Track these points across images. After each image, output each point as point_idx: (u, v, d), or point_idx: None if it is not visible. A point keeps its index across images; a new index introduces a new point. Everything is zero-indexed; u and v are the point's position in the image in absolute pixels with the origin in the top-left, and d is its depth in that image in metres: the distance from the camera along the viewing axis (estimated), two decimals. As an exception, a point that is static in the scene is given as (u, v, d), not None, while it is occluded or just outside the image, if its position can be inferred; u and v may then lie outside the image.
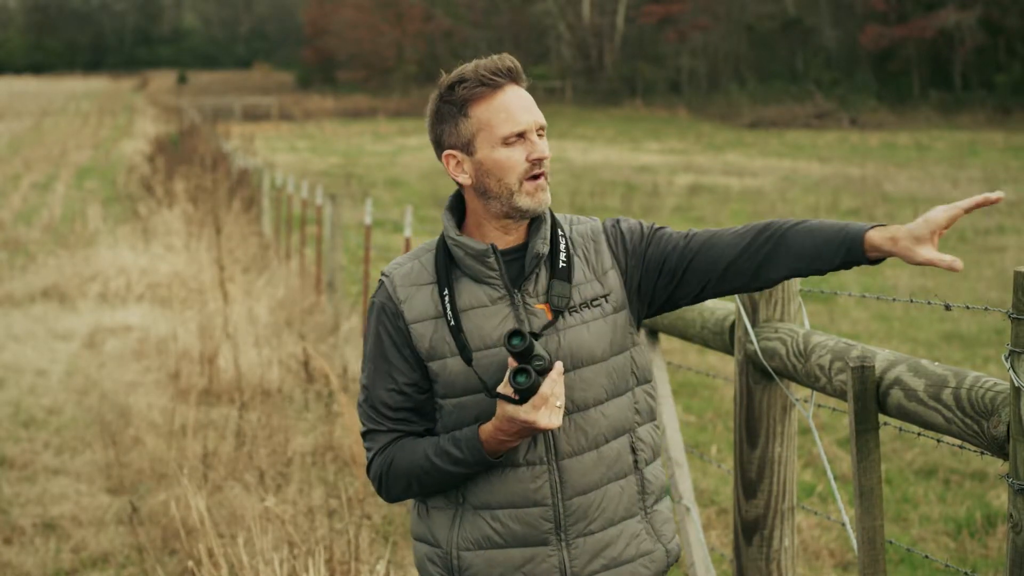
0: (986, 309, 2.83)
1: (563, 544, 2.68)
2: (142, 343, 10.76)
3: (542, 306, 2.68)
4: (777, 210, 22.48)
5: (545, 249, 2.69)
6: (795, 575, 3.69)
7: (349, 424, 7.13)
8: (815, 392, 3.35)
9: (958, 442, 2.81)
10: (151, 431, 7.59)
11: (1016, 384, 2.41)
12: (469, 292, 2.69)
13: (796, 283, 3.60)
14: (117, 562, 5.96)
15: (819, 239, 2.55)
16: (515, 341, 2.52)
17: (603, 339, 2.69)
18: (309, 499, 6.18)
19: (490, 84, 2.64)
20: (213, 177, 21.46)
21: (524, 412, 2.54)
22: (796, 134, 45.94)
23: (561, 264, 2.69)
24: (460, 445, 2.65)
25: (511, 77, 2.66)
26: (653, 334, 4.29)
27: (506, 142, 2.65)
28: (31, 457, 7.65)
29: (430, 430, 2.76)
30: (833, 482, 3.51)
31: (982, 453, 2.70)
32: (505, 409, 2.56)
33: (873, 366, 2.91)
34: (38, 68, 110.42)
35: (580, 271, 2.72)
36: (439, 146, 2.72)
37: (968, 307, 2.91)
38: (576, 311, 2.69)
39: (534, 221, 2.72)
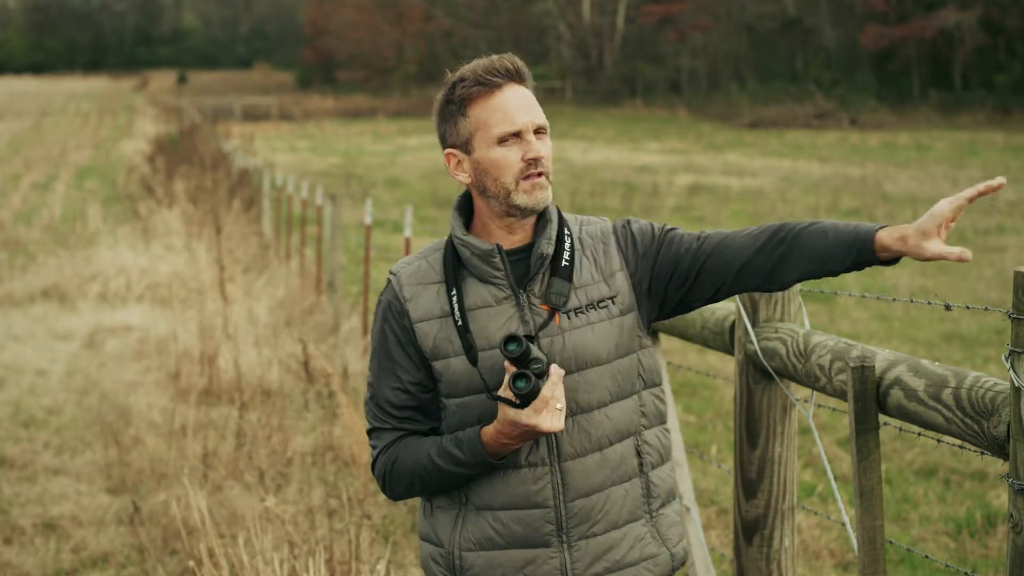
0: (986, 309, 2.83)
1: (565, 546, 2.67)
2: (142, 343, 10.76)
3: (547, 307, 2.68)
4: (777, 210, 22.48)
5: (550, 249, 2.68)
6: (795, 575, 3.69)
7: (349, 424, 7.13)
8: (815, 392, 3.35)
9: (958, 442, 2.81)
10: (151, 431, 7.59)
11: (1016, 384, 2.41)
12: (475, 292, 2.69)
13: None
14: (117, 562, 5.96)
15: (831, 241, 2.55)
16: (511, 347, 2.52)
17: (608, 341, 2.68)
18: (309, 499, 6.18)
19: (487, 84, 2.65)
20: (213, 177, 21.47)
21: (526, 416, 2.54)
22: (796, 134, 45.94)
23: (564, 263, 2.68)
24: (462, 446, 2.65)
25: (509, 77, 2.66)
26: (653, 334, 4.29)
27: (501, 142, 2.65)
28: (31, 457, 7.65)
29: (435, 429, 2.76)
30: (833, 482, 3.51)
31: (982, 453, 2.70)
32: (507, 413, 2.56)
33: (873, 366, 2.91)
34: (38, 68, 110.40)
35: (587, 272, 2.71)
36: (443, 144, 2.74)
37: (968, 307, 2.91)
38: (582, 312, 2.68)
39: (540, 221, 2.72)
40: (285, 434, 7.20)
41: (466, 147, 2.69)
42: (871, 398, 2.91)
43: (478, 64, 2.67)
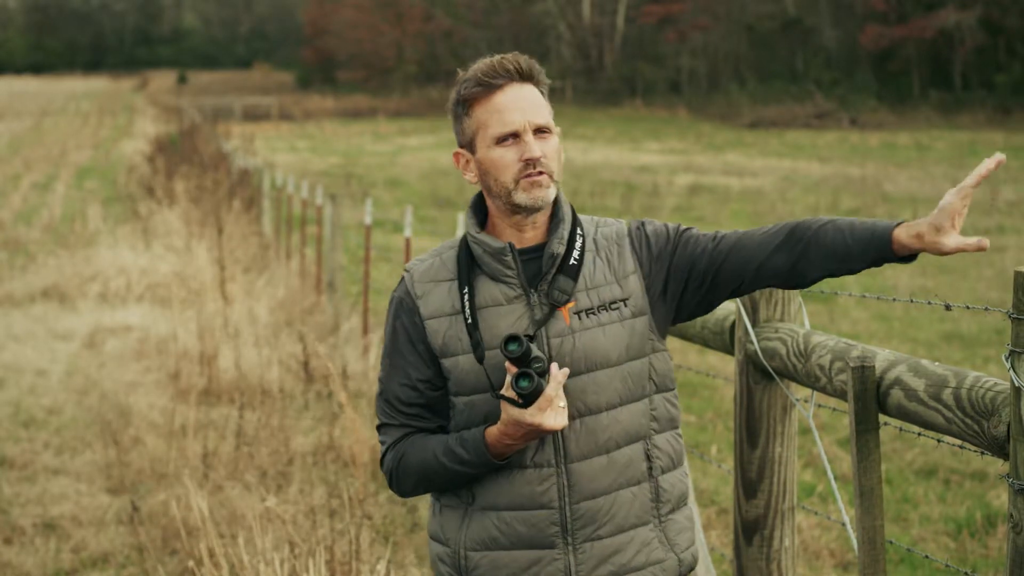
0: (986, 309, 2.83)
1: (570, 548, 2.66)
2: (142, 343, 10.76)
3: (562, 308, 2.67)
4: (777, 210, 22.48)
5: (561, 249, 2.68)
6: (795, 575, 3.69)
7: (349, 424, 7.13)
8: (815, 392, 3.35)
9: (958, 442, 2.81)
10: (151, 431, 7.59)
11: (1016, 384, 2.41)
12: (487, 290, 2.69)
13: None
14: (117, 562, 5.96)
15: (850, 239, 2.54)
16: (512, 347, 2.52)
17: (619, 343, 2.67)
18: (310, 499, 6.18)
19: (487, 85, 2.66)
20: (213, 177, 21.46)
21: (530, 415, 2.53)
22: (796, 134, 45.94)
23: (572, 261, 2.68)
24: (466, 446, 2.65)
25: (510, 77, 2.66)
26: (653, 334, 4.29)
27: (499, 142, 2.66)
28: (31, 457, 7.65)
29: (443, 427, 2.75)
30: (833, 482, 3.51)
31: (982, 453, 2.70)
32: (510, 413, 2.56)
33: (873, 366, 2.91)
34: (38, 68, 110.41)
35: (600, 273, 2.70)
36: (457, 143, 2.76)
37: (968, 307, 2.91)
38: (593, 313, 2.67)
39: (553, 221, 2.72)
40: (285, 434, 7.20)
41: (471, 147, 2.71)
42: (871, 398, 2.91)
43: (482, 64, 2.68)
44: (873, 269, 3.15)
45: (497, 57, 2.69)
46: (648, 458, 2.70)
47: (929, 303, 3.07)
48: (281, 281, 13.14)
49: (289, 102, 68.20)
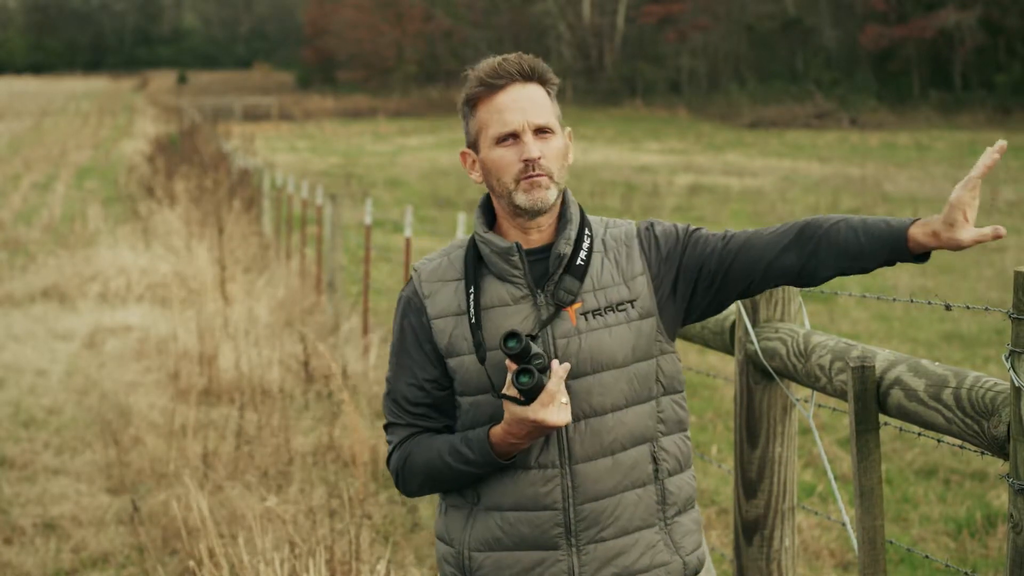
0: (986, 309, 2.83)
1: (573, 550, 2.65)
2: (142, 343, 10.76)
3: (565, 308, 2.66)
4: (777, 210, 22.48)
5: (568, 250, 2.67)
6: (795, 575, 3.69)
7: (349, 424, 7.13)
8: (815, 392, 3.35)
9: (958, 442, 2.81)
10: (151, 431, 7.59)
11: (1016, 384, 2.41)
12: (493, 290, 2.68)
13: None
14: (117, 562, 5.96)
15: (863, 237, 2.52)
16: (511, 343, 2.51)
17: (625, 344, 2.66)
18: (310, 499, 6.18)
19: (489, 85, 2.65)
20: (213, 177, 21.45)
21: (533, 412, 2.53)
22: (796, 134, 45.94)
23: (579, 262, 2.67)
24: (471, 445, 2.64)
25: (512, 78, 2.65)
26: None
27: (500, 142, 2.65)
28: (31, 457, 7.65)
29: (449, 427, 2.75)
30: (833, 482, 3.51)
31: (982, 453, 2.70)
32: (513, 411, 2.55)
33: (873, 366, 2.91)
34: (38, 68, 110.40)
35: (608, 274, 2.69)
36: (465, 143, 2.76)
37: (968, 307, 2.91)
38: (600, 314, 2.66)
39: (560, 221, 2.71)
40: (285, 434, 7.20)
41: (475, 147, 2.71)
42: (871, 398, 2.91)
43: (487, 64, 2.68)
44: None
45: (501, 57, 2.68)
46: (654, 460, 2.69)
47: (929, 303, 3.07)
48: (281, 281, 13.14)
49: (289, 102, 68.19)
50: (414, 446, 2.73)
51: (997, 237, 2.36)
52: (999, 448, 2.54)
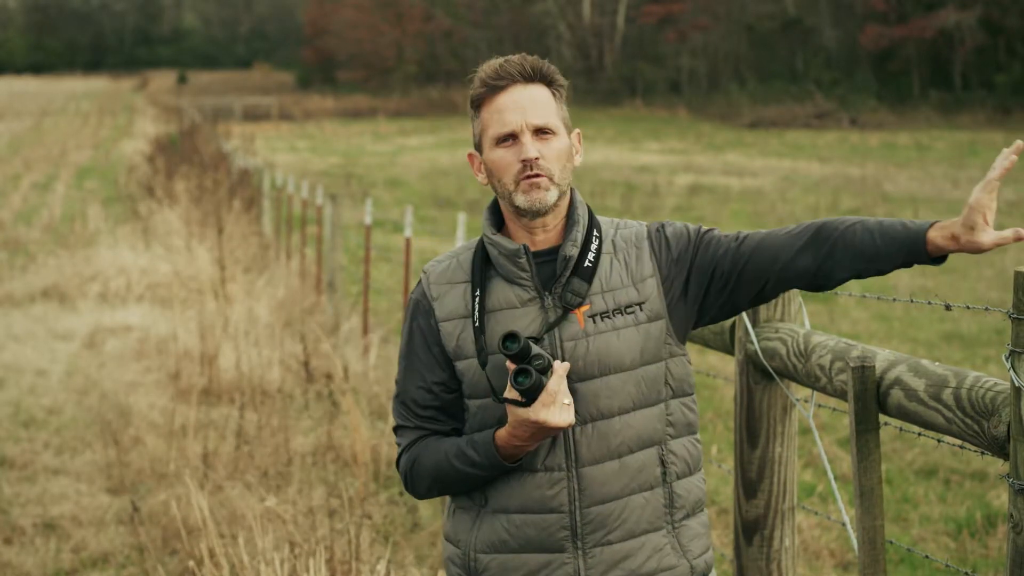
0: (986, 309, 2.82)
1: (580, 552, 2.64)
2: (142, 343, 10.76)
3: (573, 310, 2.65)
4: (777, 210, 22.48)
5: (575, 251, 2.65)
6: (795, 575, 3.69)
7: (350, 424, 7.13)
8: (815, 392, 3.35)
9: (958, 442, 2.81)
10: (151, 431, 7.59)
11: (1016, 384, 2.40)
12: (501, 292, 2.67)
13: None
14: (117, 562, 5.96)
15: (879, 239, 2.50)
16: (510, 344, 2.51)
17: (633, 347, 2.64)
18: (310, 499, 6.18)
19: (491, 86, 2.65)
20: (213, 177, 21.45)
21: (534, 412, 2.52)
22: (796, 134, 45.95)
23: (587, 263, 2.65)
24: (477, 448, 2.64)
25: (513, 79, 2.64)
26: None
27: (499, 143, 2.64)
28: (31, 457, 7.65)
29: (458, 430, 2.74)
30: (833, 482, 3.51)
31: (982, 453, 2.70)
32: (515, 413, 2.55)
33: (873, 366, 2.91)
34: (38, 68, 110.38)
35: (617, 276, 2.67)
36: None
37: (968, 307, 2.91)
38: (608, 317, 2.64)
39: (568, 222, 2.69)
40: (285, 434, 7.20)
41: (479, 148, 2.71)
42: (871, 398, 2.91)
43: (489, 65, 2.67)
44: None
45: (504, 58, 2.68)
46: (663, 463, 2.68)
47: (929, 303, 3.06)
48: (281, 281, 13.14)
49: (289, 102, 68.19)
50: (422, 449, 2.73)
51: (1019, 239, 2.34)
52: (999, 448, 2.53)
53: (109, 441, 7.53)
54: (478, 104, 2.68)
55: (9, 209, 23.17)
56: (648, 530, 2.66)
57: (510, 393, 2.55)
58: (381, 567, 4.75)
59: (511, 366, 2.54)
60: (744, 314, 3.58)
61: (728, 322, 3.78)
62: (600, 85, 69.01)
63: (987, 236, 2.38)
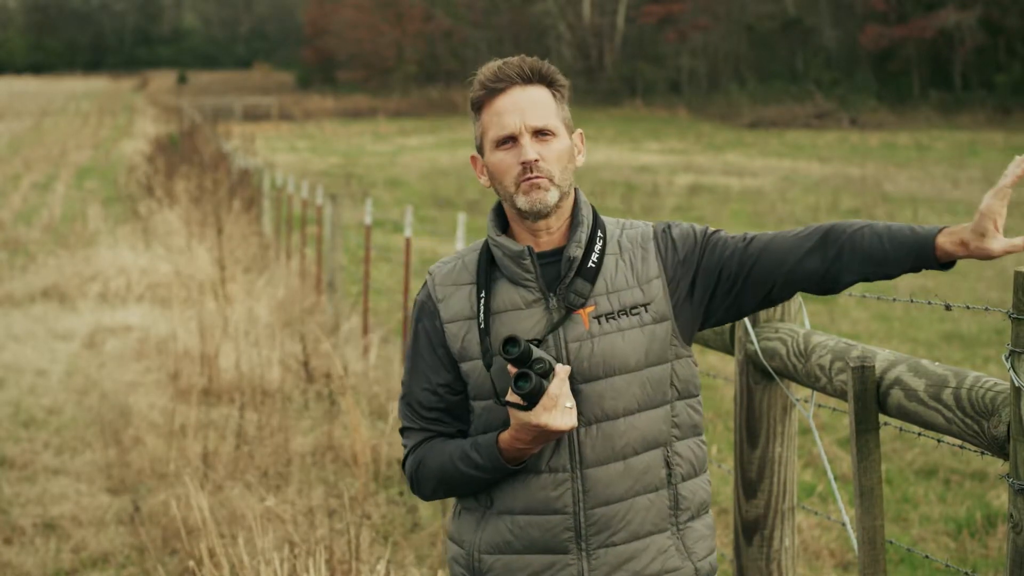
0: (986, 309, 2.82)
1: (583, 554, 2.64)
2: (142, 343, 10.76)
3: (578, 311, 2.65)
4: (777, 210, 22.48)
5: (579, 252, 2.64)
6: (795, 575, 3.69)
7: (350, 424, 7.13)
8: (815, 392, 3.35)
9: (958, 442, 2.81)
10: (151, 431, 7.59)
11: (1016, 384, 2.40)
12: (505, 294, 2.67)
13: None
14: (117, 562, 5.96)
15: (887, 244, 2.49)
16: (510, 348, 2.50)
17: (638, 348, 2.63)
18: (309, 499, 6.18)
19: (489, 89, 2.64)
20: (213, 177, 21.46)
21: (535, 416, 2.52)
22: (796, 134, 45.95)
23: (590, 264, 2.65)
24: (480, 451, 2.64)
25: (511, 80, 2.64)
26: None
27: (499, 145, 2.64)
28: (31, 457, 7.65)
29: (463, 431, 2.74)
30: (833, 482, 3.51)
31: (982, 453, 2.70)
32: (517, 417, 2.54)
33: (873, 366, 2.91)
34: (38, 68, 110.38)
35: (623, 276, 2.66)
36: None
37: (968, 307, 2.90)
38: (613, 318, 2.63)
39: (572, 223, 2.69)
40: (285, 434, 7.20)
41: (481, 150, 2.70)
42: (871, 398, 2.91)
43: (488, 68, 2.67)
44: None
45: (503, 60, 2.67)
46: (668, 465, 2.67)
47: (929, 303, 3.06)
48: (281, 281, 13.14)
49: (289, 102, 68.20)
50: (427, 451, 2.73)
51: None
52: (999, 448, 2.53)
53: (109, 441, 7.53)
54: (478, 107, 2.67)
55: (9, 209, 23.17)
56: (653, 532, 2.66)
57: (511, 397, 2.55)
58: (381, 567, 4.75)
59: (512, 370, 2.54)
60: (744, 314, 3.57)
61: (728, 322, 3.77)
62: (600, 85, 69.01)
63: (997, 243, 2.37)
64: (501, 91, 2.64)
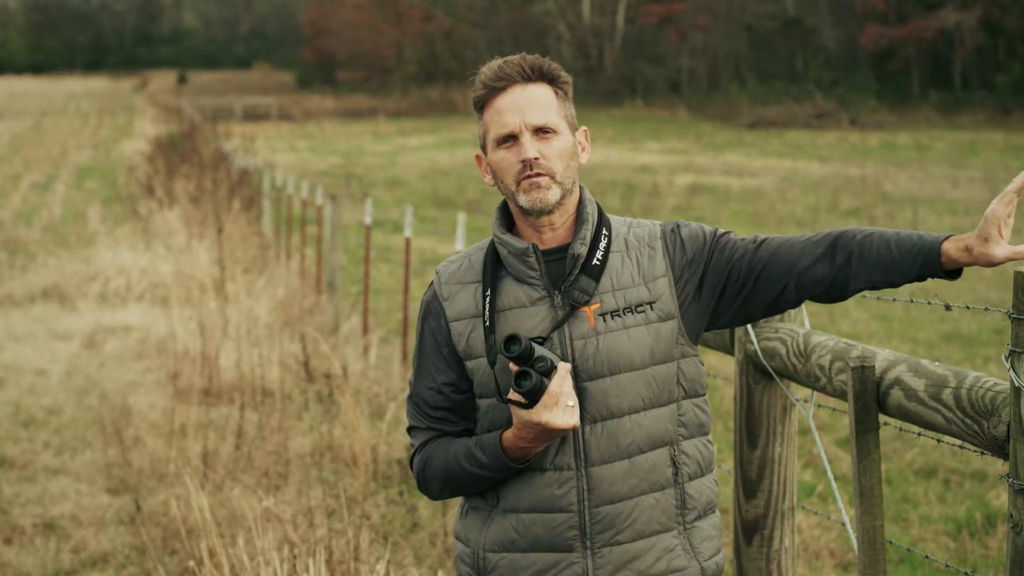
0: (986, 309, 2.82)
1: (588, 552, 2.64)
2: (142, 343, 10.76)
3: (584, 308, 2.65)
4: (777, 210, 22.47)
5: (583, 250, 2.64)
6: (795, 575, 3.69)
7: (350, 424, 7.13)
8: (815, 392, 3.35)
9: (958, 442, 2.81)
10: (151, 431, 7.59)
11: (1016, 384, 2.40)
12: (511, 292, 2.67)
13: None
14: (117, 562, 5.96)
15: (895, 251, 2.49)
16: (512, 347, 2.51)
17: (643, 347, 2.63)
18: (309, 499, 6.18)
19: (491, 88, 2.65)
20: (213, 177, 21.46)
21: (536, 414, 2.52)
22: (796, 134, 45.94)
23: (595, 262, 2.65)
24: (484, 450, 2.64)
25: (512, 79, 2.64)
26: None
27: (500, 144, 2.64)
28: (31, 457, 7.65)
29: (469, 430, 2.74)
30: (833, 482, 3.51)
31: (982, 453, 2.70)
32: (519, 415, 2.55)
33: (873, 366, 2.91)
34: (38, 68, 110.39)
35: (629, 274, 2.66)
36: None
37: (968, 307, 2.90)
38: (619, 316, 2.63)
39: (577, 221, 2.69)
40: (285, 434, 7.20)
41: (484, 149, 2.71)
42: (871, 398, 2.91)
43: (489, 67, 2.67)
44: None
45: (504, 59, 2.67)
46: (674, 464, 2.67)
47: (929, 303, 3.06)
48: (281, 281, 13.14)
49: (289, 102, 68.19)
50: (433, 450, 2.73)
51: None
52: (999, 448, 2.53)
53: (109, 441, 7.53)
54: (480, 106, 2.68)
55: (9, 209, 23.17)
56: (659, 531, 2.66)
57: (512, 395, 2.55)
58: (380, 567, 4.75)
59: (514, 368, 2.54)
60: (744, 314, 3.57)
61: (728, 322, 3.77)
62: (600, 85, 69.01)
63: (1000, 249, 2.36)
64: (502, 90, 2.64)
